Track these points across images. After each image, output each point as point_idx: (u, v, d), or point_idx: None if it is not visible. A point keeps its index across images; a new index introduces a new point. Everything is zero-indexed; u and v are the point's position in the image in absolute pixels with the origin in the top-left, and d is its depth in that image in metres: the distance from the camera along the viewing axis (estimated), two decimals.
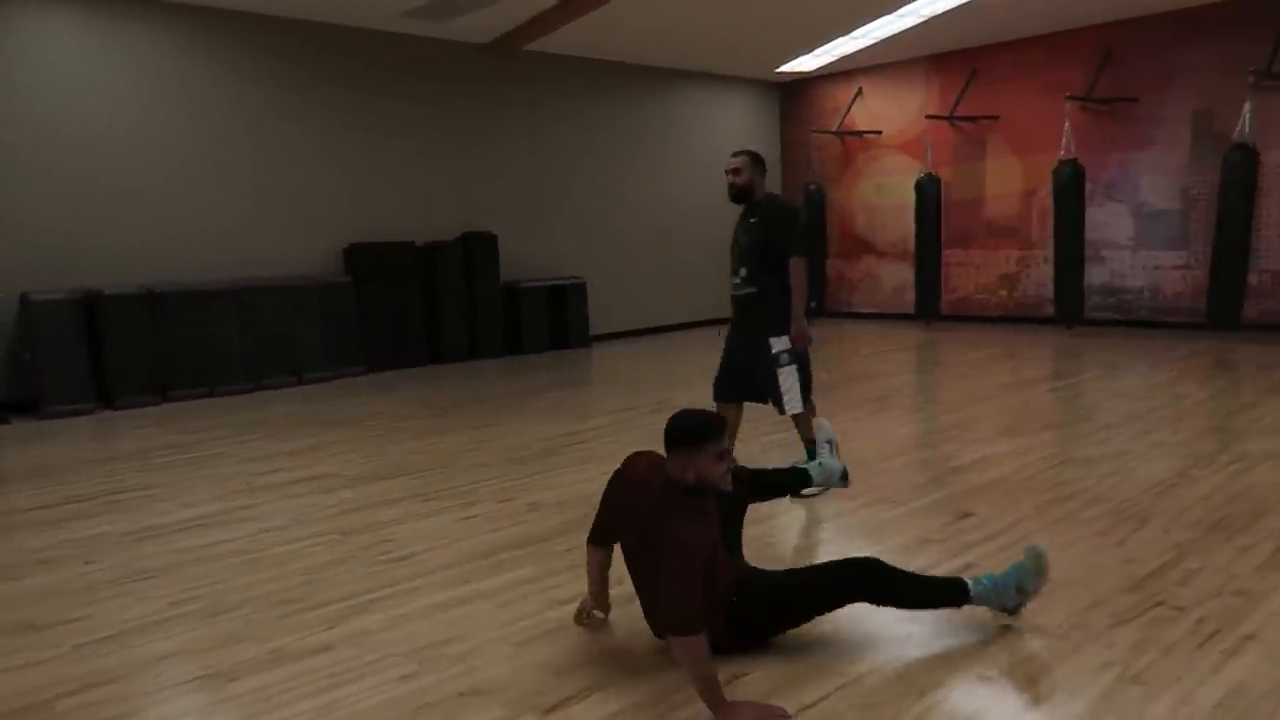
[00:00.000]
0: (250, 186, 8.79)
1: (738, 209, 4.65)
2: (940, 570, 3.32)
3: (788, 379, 4.45)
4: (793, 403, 4.47)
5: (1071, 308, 10.31)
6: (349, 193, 9.41)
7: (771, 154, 13.62)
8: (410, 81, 9.78)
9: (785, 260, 4.42)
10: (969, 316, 11.78)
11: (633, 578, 2.81)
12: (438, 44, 9.90)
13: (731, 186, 4.56)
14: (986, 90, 11.37)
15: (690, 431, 2.65)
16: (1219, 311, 9.20)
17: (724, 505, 2.95)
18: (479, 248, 10.08)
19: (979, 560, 3.43)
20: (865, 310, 12.92)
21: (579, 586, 3.34)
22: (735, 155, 4.58)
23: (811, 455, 4.61)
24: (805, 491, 3.96)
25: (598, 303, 11.17)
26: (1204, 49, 9.69)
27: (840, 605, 2.80)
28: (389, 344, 9.46)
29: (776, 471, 3.71)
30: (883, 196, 12.56)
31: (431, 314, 9.84)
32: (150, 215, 8.22)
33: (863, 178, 12.78)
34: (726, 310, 4.72)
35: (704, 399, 5.52)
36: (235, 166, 8.70)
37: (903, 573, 2.83)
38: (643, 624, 2.98)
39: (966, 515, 3.98)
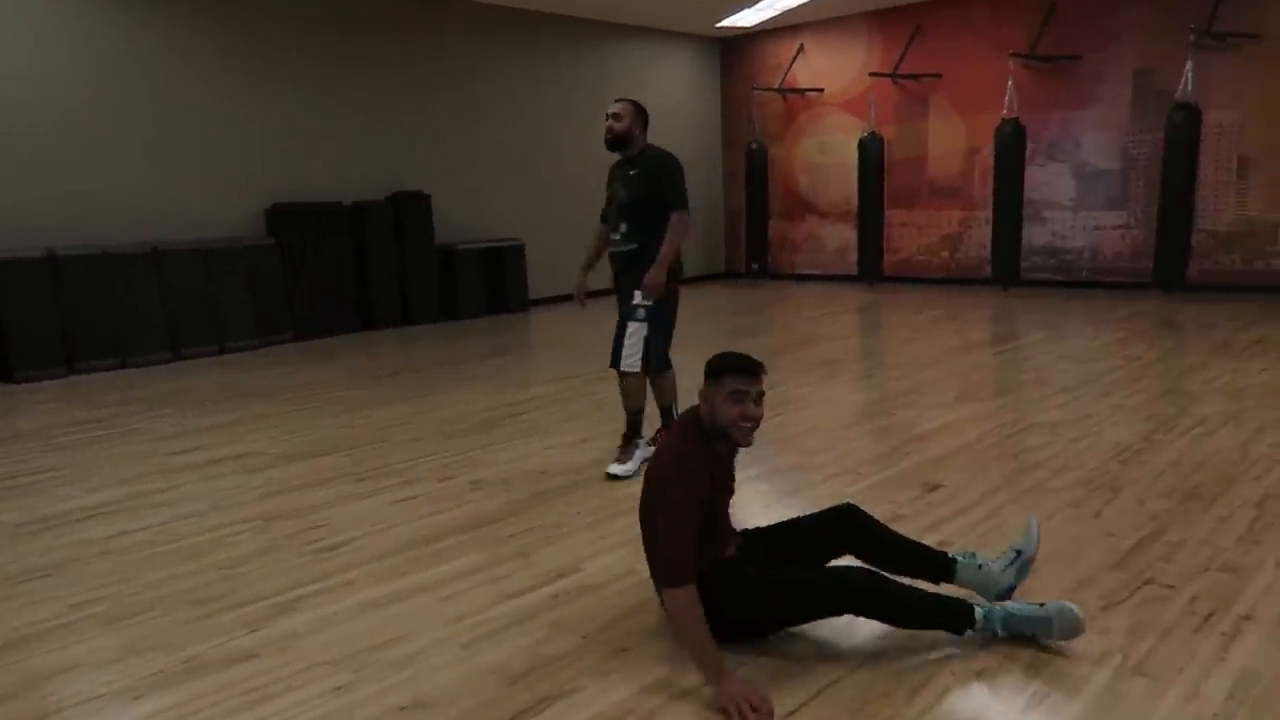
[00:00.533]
0: (164, 142, 8.20)
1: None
2: None
3: (635, 334, 4.19)
4: (631, 360, 4.20)
5: (1008, 269, 10.25)
6: (271, 149, 8.87)
7: (712, 111, 13.32)
8: (336, 32, 9.22)
9: (668, 214, 4.14)
10: (911, 278, 11.69)
11: (641, 528, 2.63)
12: None
13: (609, 132, 4.19)
14: (930, 47, 11.19)
15: (713, 363, 2.55)
16: (1165, 272, 9.20)
17: (790, 535, 2.68)
18: (411, 208, 9.62)
19: (954, 538, 3.24)
20: (808, 271, 12.75)
21: (530, 576, 3.08)
22: (618, 100, 4.25)
23: (633, 427, 4.30)
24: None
25: (536, 265, 10.80)
26: (1146, 6, 9.62)
27: (826, 616, 2.56)
28: (317, 310, 8.99)
29: (909, 542, 2.74)
30: (826, 155, 12.36)
31: (362, 278, 9.38)
32: (52, 172, 7.60)
33: (805, 136, 12.55)
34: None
35: None
36: (147, 120, 8.10)
37: (902, 590, 2.53)
38: (603, 620, 2.73)
39: (935, 487, 3.80)
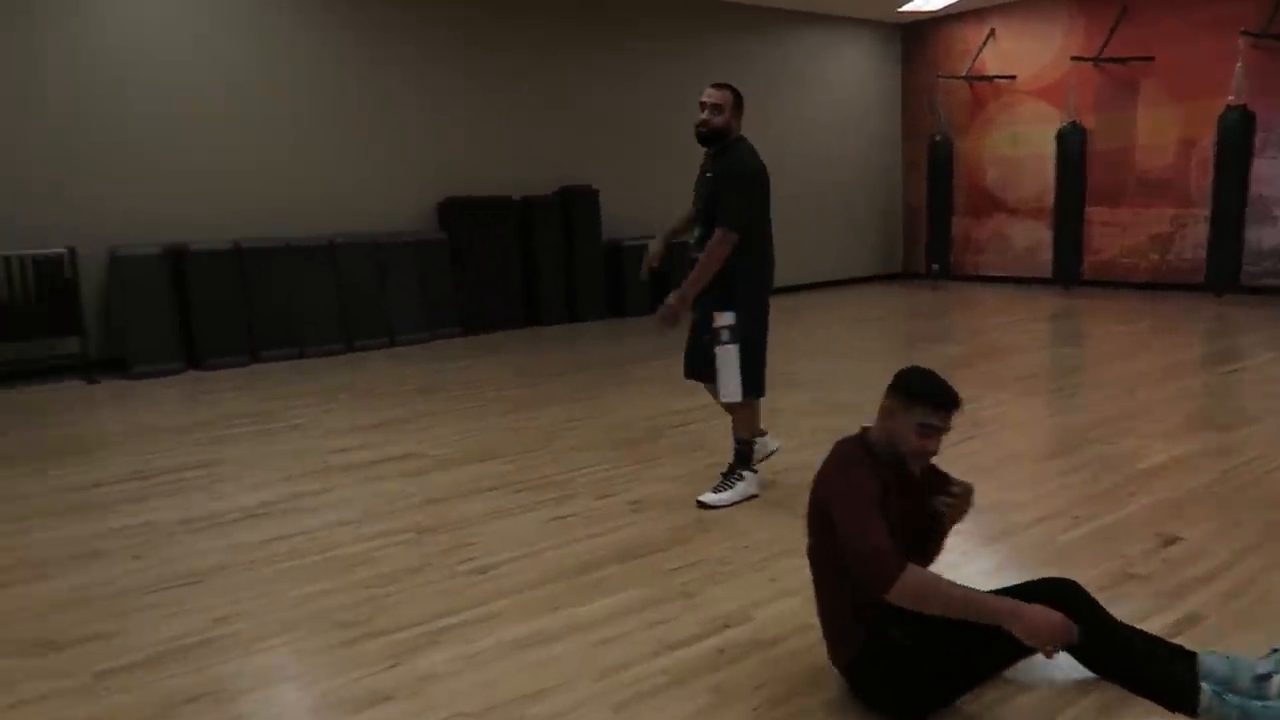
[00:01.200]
0: (342, 137, 8.35)
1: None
2: (1153, 626, 2.56)
3: (726, 359, 3.68)
4: (729, 389, 3.71)
5: (1226, 273, 9.11)
6: (444, 142, 8.91)
7: (892, 102, 12.60)
8: (508, 23, 9.17)
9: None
10: (1111, 282, 10.65)
11: (813, 576, 2.34)
12: None
13: (703, 125, 3.70)
14: (1138, 29, 10.13)
15: (909, 381, 2.20)
16: None
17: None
18: (579, 202, 9.48)
19: (1205, 612, 2.67)
20: (993, 273, 11.87)
21: (694, 622, 2.73)
22: (716, 87, 3.72)
23: (742, 460, 3.86)
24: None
25: None
26: None
27: (1021, 655, 2.11)
28: (485, 305, 8.98)
29: (1144, 642, 2.22)
30: (1018, 147, 11.44)
31: (529, 273, 9.31)
32: (240, 167, 7.86)
33: (995, 127, 11.66)
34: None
35: (831, 372, 4.90)
36: (327, 116, 8.26)
37: (1115, 623, 2.16)
38: (775, 688, 2.34)
39: (1172, 540, 3.21)
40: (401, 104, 8.63)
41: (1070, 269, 10.40)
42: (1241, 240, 9.09)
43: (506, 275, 9.12)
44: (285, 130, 8.06)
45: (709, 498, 3.78)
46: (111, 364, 7.32)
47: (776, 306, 3.98)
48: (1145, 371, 6.06)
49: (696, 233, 3.79)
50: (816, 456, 4.19)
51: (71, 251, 7.03)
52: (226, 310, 7.48)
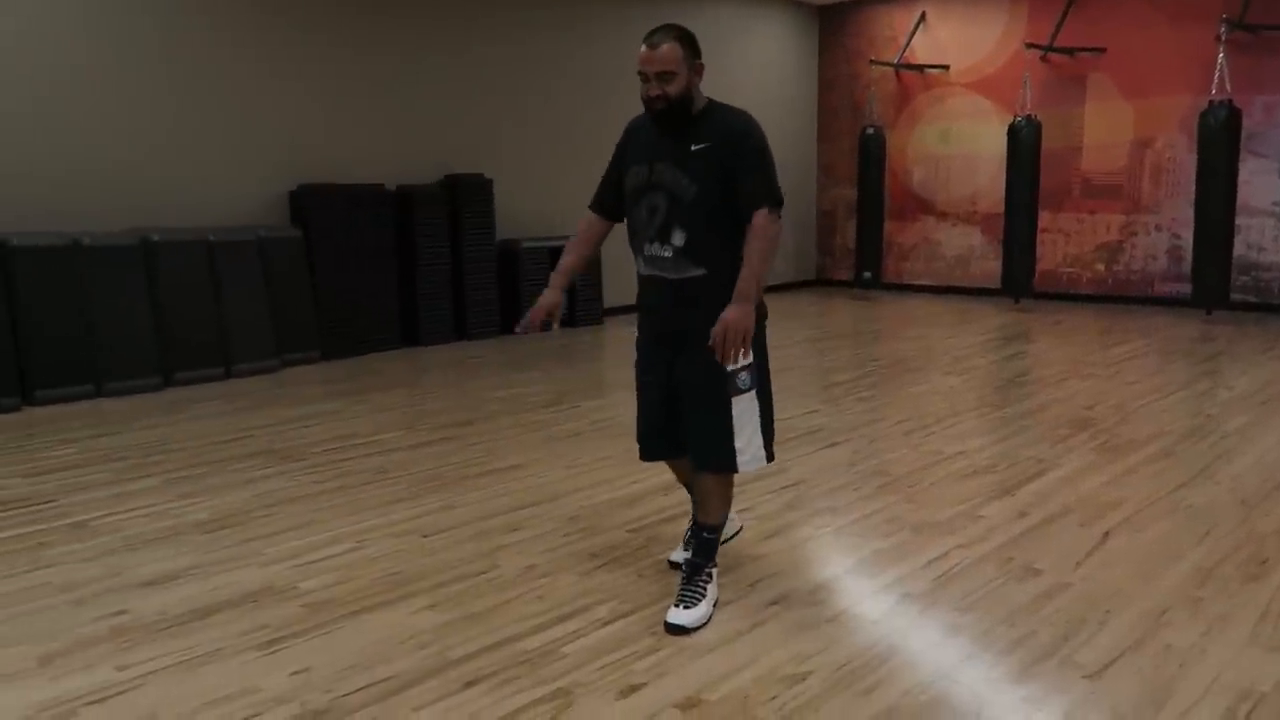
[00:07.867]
0: (159, 105, 6.29)
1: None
2: None
3: (746, 413, 2.62)
4: (752, 452, 2.65)
5: (1211, 288, 8.18)
6: (298, 117, 6.95)
7: (808, 92, 11.32)
8: None
9: (748, 215, 2.57)
10: (1055, 294, 9.70)
11: None
12: None
13: (660, 100, 2.56)
14: (1091, 17, 9.20)
15: None
16: None
17: None
18: (469, 195, 7.70)
19: None
20: (921, 282, 10.75)
21: None
22: (659, 39, 2.54)
23: (710, 552, 2.74)
24: None
25: (613, 268, 8.84)
26: None
27: None
28: (351, 319, 7.05)
29: None
30: (948, 145, 10.37)
31: (407, 279, 7.46)
32: (15, 141, 5.70)
33: (924, 122, 10.55)
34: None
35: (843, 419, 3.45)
36: (138, 78, 6.18)
37: None
38: None
39: None
40: (245, 69, 6.62)
41: (1020, 279, 9.30)
42: (1231, 250, 8.15)
43: (378, 282, 7.23)
44: (83, 96, 5.94)
45: (682, 617, 2.61)
46: None
47: None
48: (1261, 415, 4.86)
49: (676, 239, 2.61)
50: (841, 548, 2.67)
51: None
52: None
